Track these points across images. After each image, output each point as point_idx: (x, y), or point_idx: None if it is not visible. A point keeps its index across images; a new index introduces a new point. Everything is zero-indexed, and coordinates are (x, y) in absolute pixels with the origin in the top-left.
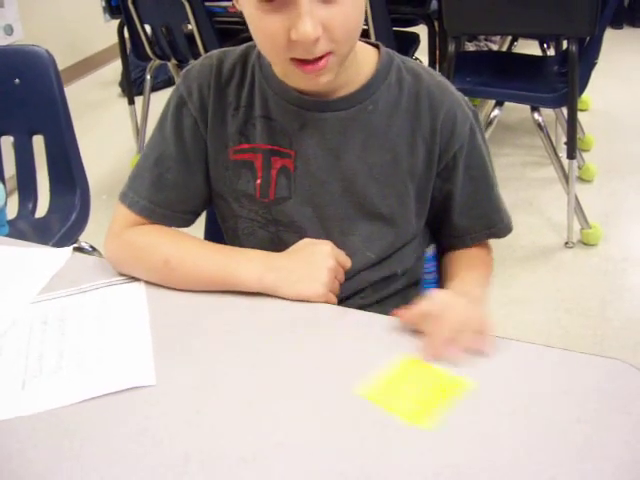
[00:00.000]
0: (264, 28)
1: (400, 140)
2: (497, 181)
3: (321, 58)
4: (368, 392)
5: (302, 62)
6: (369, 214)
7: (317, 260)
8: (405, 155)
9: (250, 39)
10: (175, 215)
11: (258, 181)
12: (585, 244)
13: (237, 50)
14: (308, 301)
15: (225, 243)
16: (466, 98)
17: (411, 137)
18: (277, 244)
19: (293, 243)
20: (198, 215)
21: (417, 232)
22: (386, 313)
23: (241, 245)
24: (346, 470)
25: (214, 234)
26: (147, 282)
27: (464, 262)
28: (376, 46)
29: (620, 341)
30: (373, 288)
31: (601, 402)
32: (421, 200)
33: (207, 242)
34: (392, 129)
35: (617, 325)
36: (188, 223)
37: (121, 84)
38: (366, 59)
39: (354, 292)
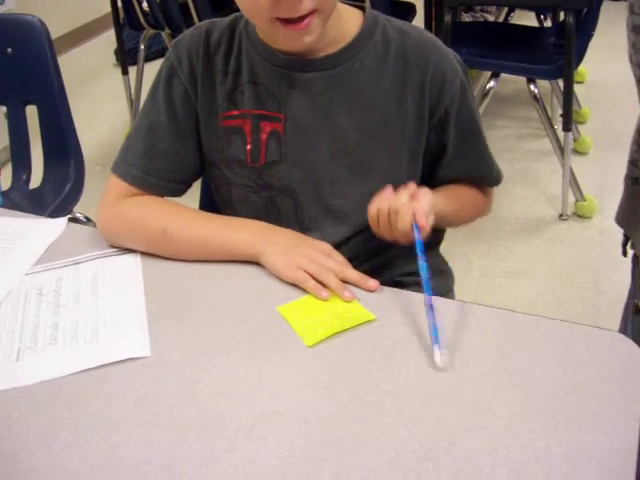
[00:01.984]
0: None
1: (389, 98)
2: (485, 135)
3: (305, 17)
4: (285, 310)
5: (286, 21)
6: (361, 174)
7: (304, 244)
8: (395, 113)
9: None
10: (167, 185)
11: (248, 146)
12: (580, 216)
13: (225, 20)
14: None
15: (220, 213)
16: (457, 54)
17: (400, 94)
18: (270, 209)
19: (287, 207)
20: (189, 185)
21: None
22: (381, 282)
23: (235, 212)
24: (343, 437)
25: (209, 205)
26: (142, 253)
27: (443, 186)
28: (361, 9)
29: (613, 313)
30: (366, 256)
31: (596, 373)
32: (413, 158)
33: (203, 212)
34: (380, 87)
35: (610, 297)
36: (180, 193)
37: (116, 52)
38: (351, 19)
39: (348, 259)
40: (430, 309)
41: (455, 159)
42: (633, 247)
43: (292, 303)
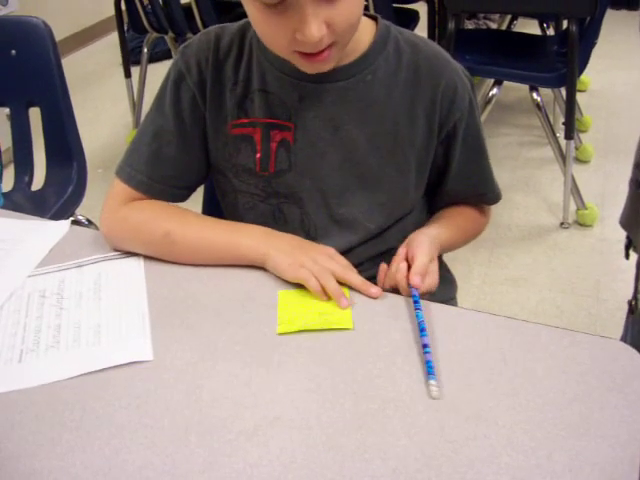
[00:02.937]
0: (268, 29)
1: (400, 110)
2: (488, 156)
3: (324, 50)
4: (282, 295)
5: (306, 54)
6: (369, 184)
7: (307, 247)
8: (405, 125)
9: (247, 15)
10: (172, 190)
11: (258, 155)
12: (581, 225)
13: (234, 26)
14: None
15: (224, 219)
16: (464, 69)
17: (411, 107)
18: (277, 217)
19: (293, 215)
20: (192, 190)
21: (415, 203)
22: (385, 289)
23: (242, 220)
24: (345, 444)
25: (212, 210)
26: (145, 257)
27: (445, 211)
28: (373, 18)
29: (614, 322)
30: (371, 263)
31: (598, 381)
32: (421, 170)
33: (206, 216)
34: (391, 99)
35: (611, 306)
36: (183, 198)
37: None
38: (364, 30)
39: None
40: (425, 347)
41: (460, 175)
42: (635, 250)
43: (293, 291)
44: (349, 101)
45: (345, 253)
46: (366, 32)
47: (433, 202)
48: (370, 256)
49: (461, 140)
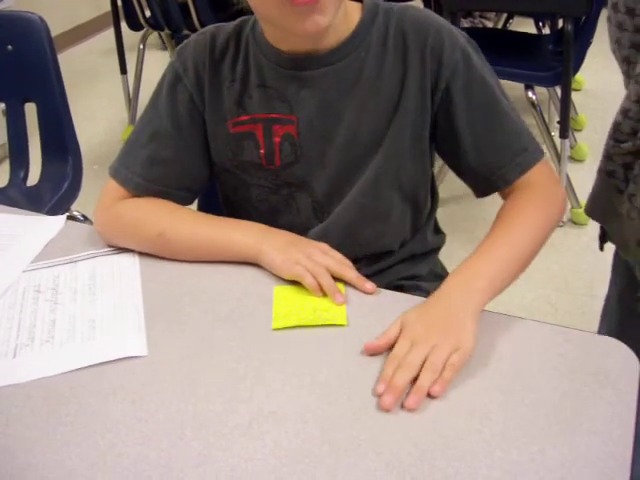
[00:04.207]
0: None
1: (393, 79)
2: (512, 106)
3: None
4: (278, 291)
5: (300, 2)
6: (369, 158)
7: (301, 243)
8: (398, 92)
9: (243, 12)
10: (170, 191)
11: (262, 150)
12: (575, 223)
13: (230, 25)
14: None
15: (233, 215)
16: (459, 29)
17: (403, 74)
18: (291, 205)
19: (305, 203)
20: (196, 193)
21: (415, 183)
22: (381, 286)
23: (256, 210)
24: (340, 438)
25: (207, 207)
26: (141, 252)
27: (495, 225)
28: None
29: None
30: (368, 260)
31: (591, 377)
32: (417, 139)
33: (200, 212)
34: (384, 70)
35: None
36: (185, 201)
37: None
38: (352, 9)
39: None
40: None
41: (481, 138)
42: (610, 238)
43: (289, 287)
44: (347, 82)
45: (349, 238)
46: (354, 10)
47: (471, 186)
48: (368, 254)
49: (464, 101)
